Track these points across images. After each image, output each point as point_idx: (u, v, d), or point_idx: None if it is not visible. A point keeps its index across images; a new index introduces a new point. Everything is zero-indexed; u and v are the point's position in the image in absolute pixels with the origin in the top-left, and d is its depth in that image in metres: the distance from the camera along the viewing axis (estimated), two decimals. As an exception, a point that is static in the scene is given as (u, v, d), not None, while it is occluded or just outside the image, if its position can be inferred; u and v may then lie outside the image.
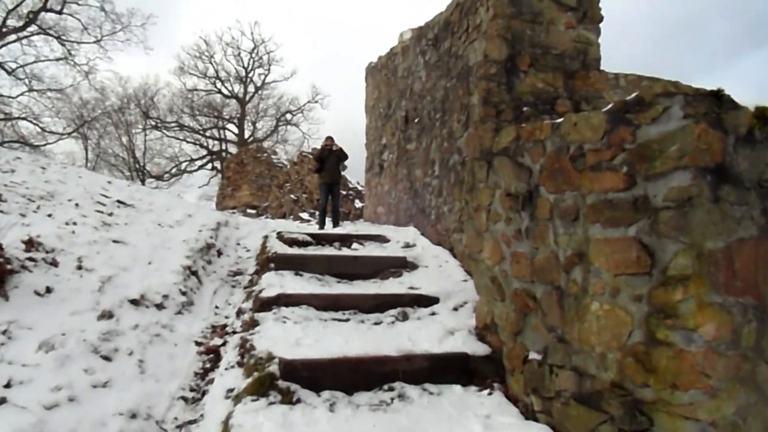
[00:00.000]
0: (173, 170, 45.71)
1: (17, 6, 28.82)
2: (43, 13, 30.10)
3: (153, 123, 44.43)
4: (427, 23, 8.31)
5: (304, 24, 56.21)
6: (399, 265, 6.20)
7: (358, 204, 18.12)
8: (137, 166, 45.63)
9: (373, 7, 56.01)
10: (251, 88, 44.73)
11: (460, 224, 6.19)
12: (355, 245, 7.19)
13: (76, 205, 5.52)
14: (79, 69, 29.68)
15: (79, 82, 29.25)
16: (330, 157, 12.08)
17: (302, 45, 55.77)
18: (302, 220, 17.02)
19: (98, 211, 5.64)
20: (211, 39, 57.05)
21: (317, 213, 16.03)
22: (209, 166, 45.28)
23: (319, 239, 7.25)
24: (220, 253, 6.60)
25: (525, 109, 5.80)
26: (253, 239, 7.51)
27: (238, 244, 7.38)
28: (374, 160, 10.91)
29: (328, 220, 11.98)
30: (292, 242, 6.99)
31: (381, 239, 7.46)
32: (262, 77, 44.22)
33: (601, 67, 6.18)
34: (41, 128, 29.51)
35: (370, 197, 11.27)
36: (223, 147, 44.45)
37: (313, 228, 13.81)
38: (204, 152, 45.26)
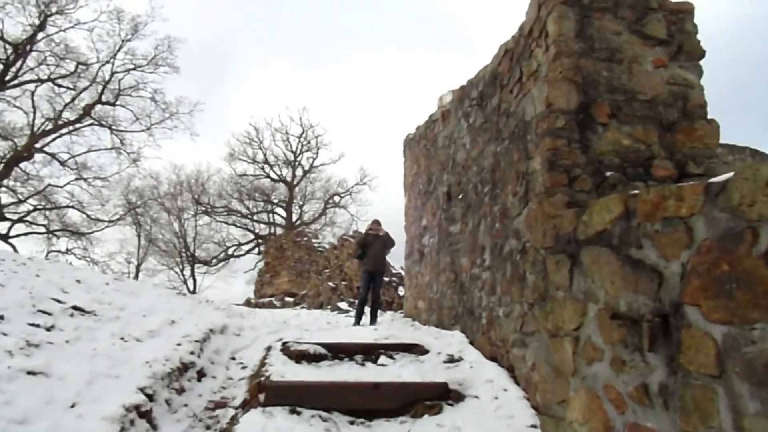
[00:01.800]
0: (221, 255, 45.51)
1: (73, 100, 29.74)
2: (96, 106, 30.97)
3: (203, 208, 44.87)
4: (470, 81, 6.91)
5: (353, 105, 57.02)
6: (438, 396, 4.43)
7: (401, 292, 16.39)
8: (187, 252, 45.72)
9: (426, 85, 56.44)
10: (299, 172, 44.79)
11: (522, 336, 4.43)
12: (383, 359, 5.47)
13: (1, 317, 4.14)
14: (127, 155, 30.03)
15: (124, 168, 29.39)
16: (375, 243, 10.69)
17: (351, 127, 56.35)
18: (340, 311, 15.39)
19: (33, 325, 4.23)
20: (260, 125, 58.49)
21: (356, 302, 14.49)
22: (256, 250, 44.78)
23: (337, 351, 5.58)
24: (202, 375, 5.01)
25: (609, 174, 4.14)
26: (255, 350, 5.93)
27: (233, 358, 5.80)
28: (414, 245, 9.32)
29: (367, 311, 10.40)
30: (300, 356, 5.35)
31: (417, 350, 5.72)
32: (311, 161, 44.31)
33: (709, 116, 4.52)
34: (87, 215, 29.55)
35: (410, 288, 9.59)
36: (271, 231, 44.15)
37: (349, 321, 12.16)
38: (251, 236, 45.03)
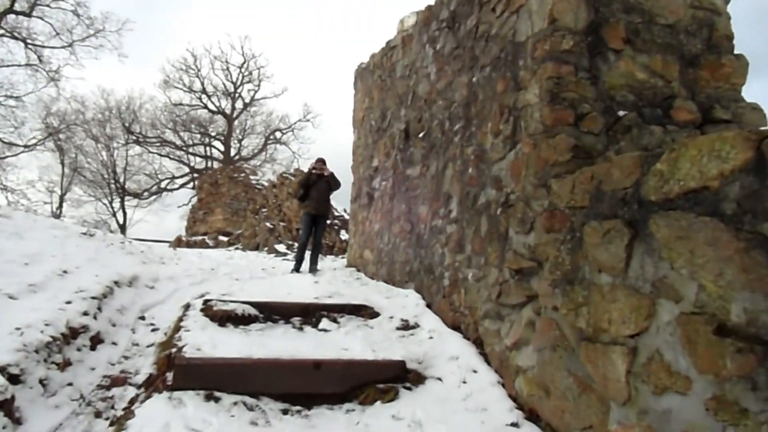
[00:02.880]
0: (153, 188, 43.37)
1: (-22, 5, 26.42)
2: (8, 16, 27.73)
3: (134, 138, 42.31)
4: (438, 0, 5.86)
5: (297, 39, 54.23)
6: (393, 377, 3.62)
7: (344, 235, 15.55)
8: (116, 183, 43.30)
9: (375, 17, 54.07)
10: (239, 104, 42.67)
11: (498, 307, 3.65)
12: (325, 323, 4.61)
13: None
14: (46, 74, 27.22)
15: (41, 87, 26.64)
16: (318, 184, 9.72)
17: (295, 61, 53.75)
18: (278, 253, 14.44)
19: None
20: (199, 52, 54.97)
21: (295, 246, 13.60)
22: (191, 184, 42.89)
23: (271, 312, 4.67)
24: (97, 342, 4.01)
25: (623, 114, 3.30)
26: (172, 308, 4.94)
27: (142, 318, 4.80)
28: (362, 187, 8.38)
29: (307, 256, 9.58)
30: (224, 318, 4.41)
31: (365, 312, 4.89)
32: (252, 93, 42.22)
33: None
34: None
35: (356, 235, 8.71)
36: (208, 164, 42.26)
37: (287, 266, 11.25)
38: (186, 170, 42.99)
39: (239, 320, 4.47)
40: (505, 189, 3.69)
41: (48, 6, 28.15)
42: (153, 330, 4.56)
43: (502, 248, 3.62)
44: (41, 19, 28.09)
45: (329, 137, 48.98)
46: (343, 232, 15.64)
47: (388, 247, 6.38)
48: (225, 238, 18.51)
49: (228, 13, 52.01)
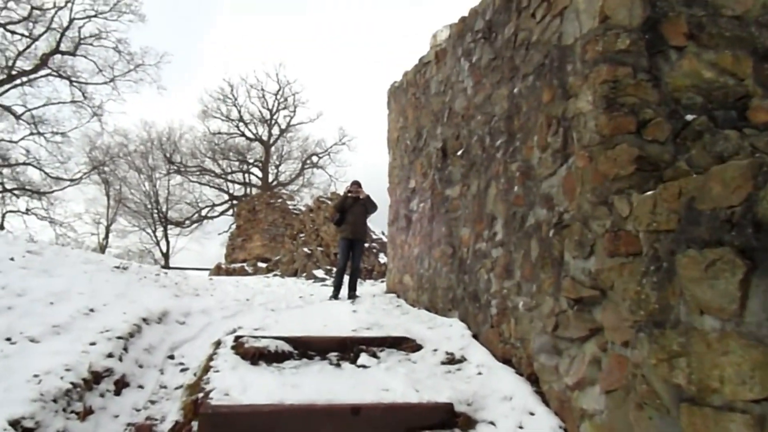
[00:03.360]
0: (194, 216, 44.13)
1: (27, 48, 27.54)
2: (54, 56, 28.82)
3: (175, 167, 43.27)
4: (473, 10, 5.57)
5: (330, 63, 54.81)
6: (440, 422, 3.24)
7: (383, 259, 15.23)
8: (158, 212, 44.26)
9: (409, 36, 54.27)
10: (276, 131, 43.24)
11: (555, 340, 3.25)
12: (364, 359, 4.27)
13: None
14: (89, 109, 28.05)
15: (85, 123, 27.41)
16: (354, 207, 9.48)
17: (329, 85, 54.34)
18: (316, 279, 14.21)
19: None
20: (235, 81, 56.21)
21: (334, 271, 13.37)
22: (230, 211, 43.44)
23: (306, 348, 4.37)
24: (123, 385, 3.77)
25: (690, 117, 2.91)
26: (203, 344, 4.70)
27: (171, 357, 4.56)
28: (399, 210, 8.07)
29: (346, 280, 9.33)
30: (257, 356, 4.13)
31: (407, 345, 4.54)
32: (287, 119, 42.77)
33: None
34: (46, 173, 27.62)
35: (394, 259, 8.38)
36: (247, 191, 42.81)
37: (325, 292, 10.97)
38: (226, 197, 43.65)
39: (272, 357, 4.18)
40: (557, 208, 3.31)
41: (91, 45, 29.13)
42: (182, 370, 4.31)
43: (556, 274, 3.23)
44: (85, 57, 29.06)
45: (365, 159, 49.11)
46: (381, 255, 15.33)
47: (429, 273, 6.03)
48: (264, 265, 18.42)
49: (261, 38, 53.01)
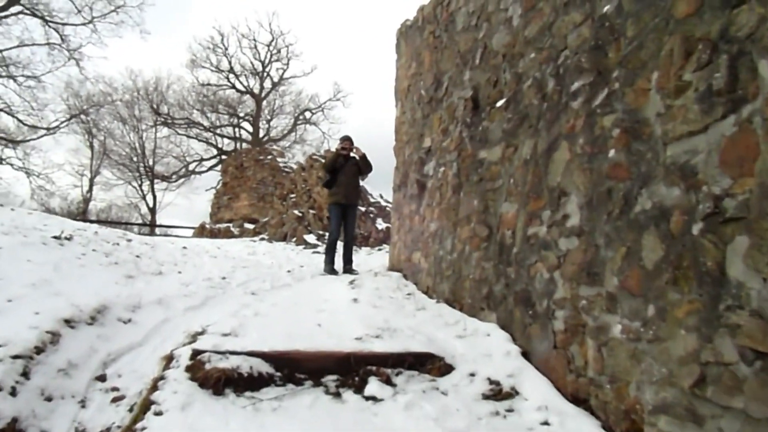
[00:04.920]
0: (181, 170, 42.64)
1: (-5, -18, 25.37)
2: (28, -8, 26.67)
3: (162, 119, 41.55)
4: None
5: (327, 16, 52.40)
6: None
7: (380, 224, 13.97)
8: (145, 165, 42.72)
9: (401, -2, 51.77)
10: (268, 84, 41.43)
11: (695, 401, 2.01)
12: (374, 387, 3.04)
13: None
14: (68, 53, 26.11)
15: (60, 66, 25.51)
16: (346, 168, 8.24)
17: (325, 37, 52.08)
18: (307, 245, 12.96)
19: None
20: (226, 30, 53.84)
21: (326, 237, 12.17)
22: (219, 166, 42.08)
23: (293, 367, 3.13)
24: (13, 434, 2.51)
25: None
26: (153, 353, 3.43)
27: (102, 378, 3.28)
28: (409, 173, 6.74)
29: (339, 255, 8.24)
30: (222, 382, 2.88)
31: (433, 366, 3.30)
32: (280, 72, 40.93)
33: None
34: (19, 120, 25.82)
35: (400, 231, 7.09)
36: (237, 146, 41.27)
37: (317, 263, 9.75)
38: (214, 151, 42.08)
39: (245, 384, 2.94)
40: (709, 188, 2.02)
41: (68, -20, 26.96)
42: (116, 399, 3.04)
43: (710, 298, 1.96)
44: (61, -5, 26.92)
45: (361, 115, 47.45)
46: (379, 220, 14.07)
47: (452, 256, 4.75)
48: (251, 226, 17.11)
49: (255, -11, 50.37)
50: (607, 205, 2.63)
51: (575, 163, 2.97)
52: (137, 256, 6.03)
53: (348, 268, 8.37)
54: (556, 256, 3.09)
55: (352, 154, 8.35)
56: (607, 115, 2.71)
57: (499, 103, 4.22)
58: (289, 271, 7.73)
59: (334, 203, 8.15)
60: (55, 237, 5.23)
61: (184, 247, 8.09)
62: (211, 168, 41.50)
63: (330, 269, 8.02)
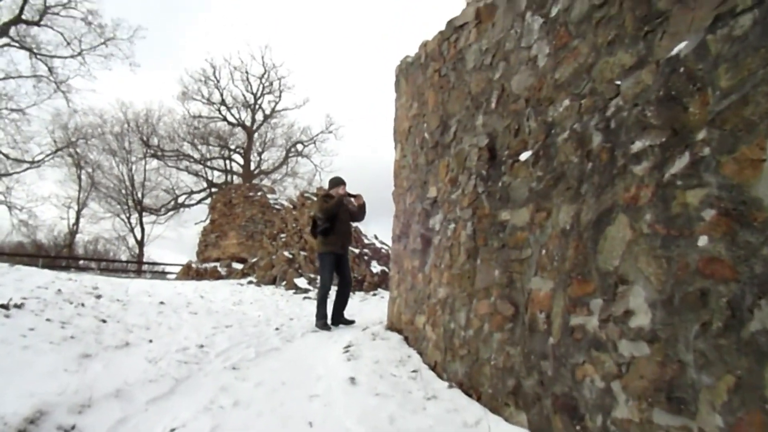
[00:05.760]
0: (170, 204, 41.98)
1: (-17, 14, 24.98)
2: (17, 26, 26.29)
3: (152, 151, 41.06)
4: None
5: (318, 47, 52.54)
6: None
7: (375, 267, 13.25)
8: (134, 198, 42.04)
9: (400, 31, 51.99)
10: (260, 116, 41.18)
11: None
12: None
13: None
14: (56, 85, 25.59)
15: (44, 99, 24.96)
16: (341, 214, 7.65)
17: (317, 70, 52.13)
18: (297, 289, 12.22)
19: None
20: (218, 62, 53.80)
21: (317, 281, 11.51)
22: (209, 200, 41.43)
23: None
24: None
25: None
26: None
27: None
28: (410, 223, 6.08)
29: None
30: None
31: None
32: (272, 105, 40.71)
33: None
34: (3, 154, 25.12)
35: (400, 286, 6.38)
36: (228, 179, 40.73)
37: (309, 313, 9.02)
38: (204, 184, 41.50)
39: None
40: None
41: (58, 15, 26.67)
42: None
43: None
44: (51, 28, 26.61)
45: (354, 146, 47.11)
46: (374, 263, 13.36)
47: (467, 333, 4.05)
48: (239, 266, 16.34)
49: (247, 18, 50.49)
50: (699, 312, 1.97)
51: (641, 245, 2.32)
52: (103, 321, 5.27)
53: (344, 321, 7.68)
54: (616, 362, 2.41)
55: (355, 202, 7.79)
56: (692, 190, 2.07)
57: (524, 156, 3.59)
58: (277, 329, 6.99)
59: (329, 253, 7.48)
60: (1, 306, 4.46)
61: (161, 303, 7.32)
62: (200, 201, 40.95)
63: (323, 324, 7.31)
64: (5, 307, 4.50)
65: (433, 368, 4.61)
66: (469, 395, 3.82)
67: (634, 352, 2.31)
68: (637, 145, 2.41)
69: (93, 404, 3.24)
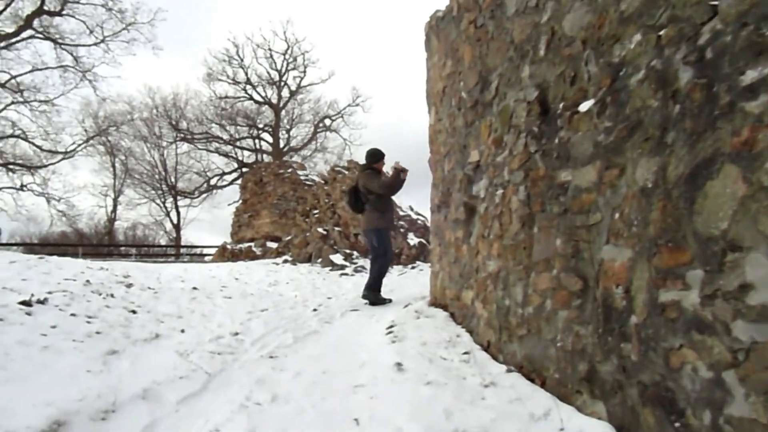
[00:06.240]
0: (203, 186, 42.27)
1: (7, 7, 25.00)
2: (39, 17, 26.30)
3: (182, 135, 41.25)
4: None
5: (341, 20, 51.61)
6: None
7: (411, 239, 12.85)
8: (167, 182, 42.46)
9: (416, -3, 50.57)
10: (285, 93, 40.82)
11: None
12: None
13: None
14: (81, 74, 25.61)
15: (71, 88, 25.01)
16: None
17: (341, 42, 51.30)
18: (333, 266, 11.93)
19: None
20: (241, 41, 53.46)
21: (354, 256, 11.29)
22: (240, 180, 41.59)
23: None
24: None
25: None
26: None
27: None
28: (451, 192, 5.64)
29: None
30: None
31: None
32: (297, 80, 40.30)
33: None
34: (37, 146, 25.37)
35: (442, 259, 5.97)
36: (258, 158, 40.69)
37: (347, 288, 8.72)
38: (235, 164, 41.59)
39: None
40: None
41: (78, 2, 26.54)
42: None
43: None
44: (72, 17, 26.54)
45: (382, 118, 46.39)
46: (411, 235, 12.96)
47: (526, 311, 3.62)
48: (274, 245, 16.15)
49: (268, -2, 49.86)
50: None
51: (762, 201, 1.83)
52: (132, 312, 5.02)
53: (380, 299, 7.36)
54: (729, 348, 1.95)
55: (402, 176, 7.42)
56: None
57: (585, 107, 3.09)
58: (315, 310, 6.68)
59: (387, 227, 7.30)
60: (22, 303, 4.22)
61: (195, 288, 7.07)
62: (232, 182, 41.09)
63: (382, 299, 7.15)
64: (27, 303, 4.26)
65: (486, 349, 4.21)
66: (532, 380, 3.40)
67: (755, 335, 1.84)
68: (750, 75, 1.91)
69: (118, 409, 2.94)
